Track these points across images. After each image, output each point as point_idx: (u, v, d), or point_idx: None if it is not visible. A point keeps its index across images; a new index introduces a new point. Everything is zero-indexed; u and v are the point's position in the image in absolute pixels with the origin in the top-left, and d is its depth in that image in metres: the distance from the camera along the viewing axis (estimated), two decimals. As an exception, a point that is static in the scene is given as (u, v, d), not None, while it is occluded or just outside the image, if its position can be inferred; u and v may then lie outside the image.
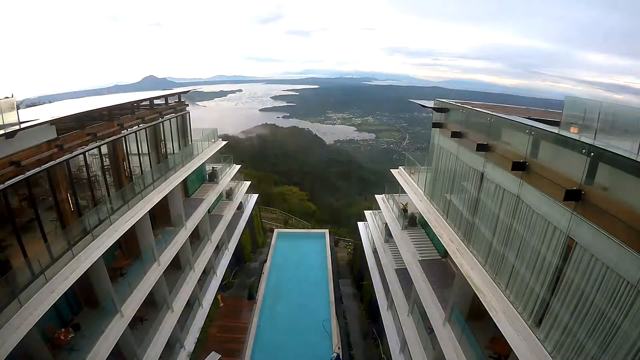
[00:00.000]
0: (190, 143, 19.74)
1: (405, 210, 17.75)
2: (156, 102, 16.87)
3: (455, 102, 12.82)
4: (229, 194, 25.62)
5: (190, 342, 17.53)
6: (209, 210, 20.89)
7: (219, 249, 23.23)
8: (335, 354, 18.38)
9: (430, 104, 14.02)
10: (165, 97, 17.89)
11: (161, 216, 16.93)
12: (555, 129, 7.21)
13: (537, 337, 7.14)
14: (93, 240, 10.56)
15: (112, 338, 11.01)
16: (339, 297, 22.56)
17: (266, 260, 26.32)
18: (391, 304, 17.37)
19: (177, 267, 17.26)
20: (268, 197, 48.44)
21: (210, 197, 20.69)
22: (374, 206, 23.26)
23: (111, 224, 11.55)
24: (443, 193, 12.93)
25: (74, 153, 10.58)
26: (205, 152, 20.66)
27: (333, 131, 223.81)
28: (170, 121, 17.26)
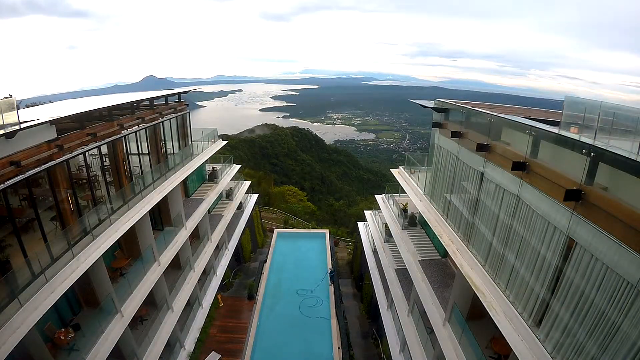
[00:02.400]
0: (190, 143, 19.73)
1: (405, 210, 17.75)
2: (156, 102, 16.87)
3: (455, 102, 12.81)
4: (229, 194, 25.63)
5: (190, 342, 17.54)
6: (209, 210, 20.90)
7: (219, 249, 23.25)
8: (330, 269, 22.28)
9: (430, 104, 14.01)
10: (165, 97, 17.87)
11: (162, 216, 16.93)
12: (555, 129, 7.20)
13: (537, 337, 7.14)
14: (93, 240, 10.54)
15: (112, 338, 11.02)
16: (339, 297, 22.57)
17: (266, 260, 26.32)
18: (391, 304, 17.38)
19: (177, 267, 17.26)
20: (268, 197, 48.47)
21: (210, 197, 20.69)
22: (374, 206, 23.29)
23: (111, 224, 11.53)
24: (443, 193, 12.92)
25: (74, 153, 10.56)
26: (205, 152, 20.65)
27: (333, 131, 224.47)
28: (170, 121, 17.24)
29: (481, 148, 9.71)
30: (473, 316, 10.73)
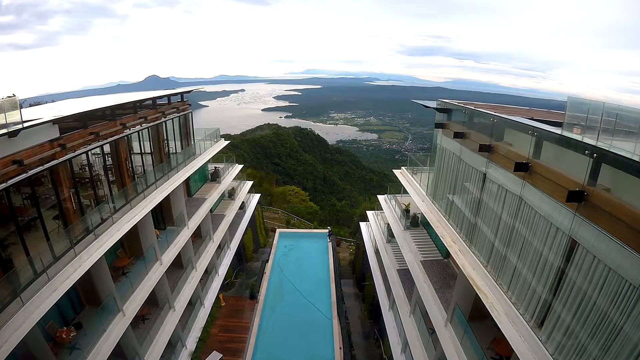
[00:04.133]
0: (192, 142, 19.77)
1: (407, 210, 17.72)
2: (159, 101, 16.92)
3: (458, 103, 12.77)
4: (231, 194, 25.69)
5: (191, 341, 17.59)
6: (211, 209, 20.93)
7: (221, 248, 23.29)
8: (329, 229, 24.07)
9: (432, 104, 13.96)
10: (168, 96, 17.93)
11: (164, 215, 16.97)
12: (558, 130, 7.16)
13: (539, 339, 7.10)
14: (95, 239, 10.58)
15: (114, 337, 11.05)
16: (341, 297, 22.55)
17: (268, 259, 26.35)
18: (393, 305, 17.35)
19: (179, 266, 17.31)
20: (270, 197, 48.50)
21: (213, 197, 20.72)
22: (376, 206, 23.25)
23: (113, 223, 11.56)
24: (445, 193, 12.88)
25: (77, 152, 10.59)
26: (207, 152, 20.68)
27: (335, 131, 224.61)
28: (172, 121, 17.28)
29: (484, 149, 9.67)
30: (475, 317, 10.68)
